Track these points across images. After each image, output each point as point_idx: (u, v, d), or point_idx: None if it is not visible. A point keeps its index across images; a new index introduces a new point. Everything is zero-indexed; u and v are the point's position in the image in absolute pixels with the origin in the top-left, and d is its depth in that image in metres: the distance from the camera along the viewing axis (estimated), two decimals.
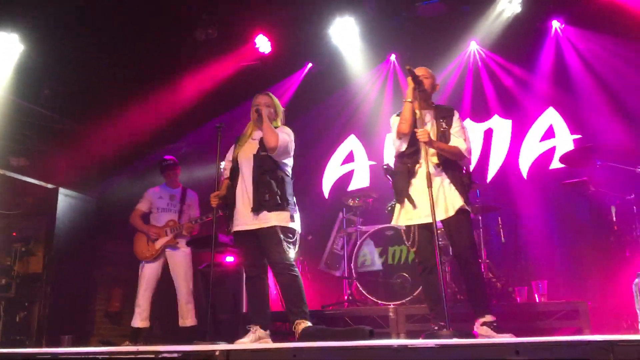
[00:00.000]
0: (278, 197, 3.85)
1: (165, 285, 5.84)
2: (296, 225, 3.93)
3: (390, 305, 5.04)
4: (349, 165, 7.60)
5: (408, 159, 3.79)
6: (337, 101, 7.18)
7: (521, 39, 6.72)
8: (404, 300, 5.08)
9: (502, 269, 5.58)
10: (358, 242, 5.63)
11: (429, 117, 3.88)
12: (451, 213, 3.68)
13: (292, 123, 7.75)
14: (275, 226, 3.82)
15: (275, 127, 4.01)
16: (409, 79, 3.77)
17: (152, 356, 2.28)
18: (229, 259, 6.35)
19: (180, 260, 5.69)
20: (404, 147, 3.82)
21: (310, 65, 7.56)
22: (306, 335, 3.28)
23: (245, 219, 3.90)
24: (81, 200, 6.98)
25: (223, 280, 6.22)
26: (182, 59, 7.04)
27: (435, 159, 3.75)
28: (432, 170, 3.66)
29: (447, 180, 3.76)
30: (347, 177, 7.56)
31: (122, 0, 6.29)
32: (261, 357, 2.14)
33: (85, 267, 6.96)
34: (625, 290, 4.27)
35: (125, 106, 6.82)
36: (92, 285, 7.07)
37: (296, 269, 3.90)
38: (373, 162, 7.52)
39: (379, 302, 5.24)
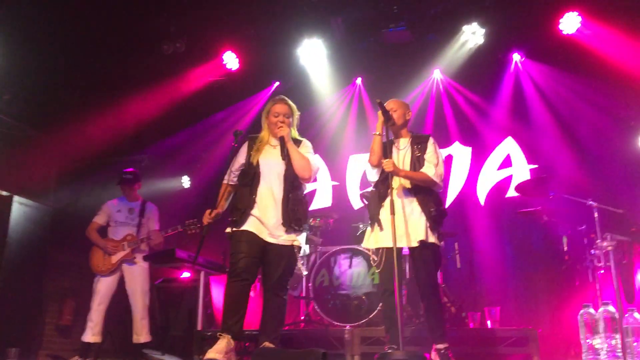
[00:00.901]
0: (304, 216, 3.83)
1: (119, 299, 5.74)
2: (306, 247, 3.97)
3: (346, 326, 5.06)
4: (312, 184, 7.65)
5: (381, 186, 3.93)
6: (302, 121, 7.16)
7: (483, 69, 6.93)
8: (360, 322, 5.11)
9: (456, 294, 5.67)
10: (317, 263, 5.64)
11: (403, 144, 4.02)
12: (414, 244, 3.78)
13: None
14: (295, 246, 3.78)
15: (294, 140, 3.95)
16: (379, 112, 3.87)
17: None
18: (185, 274, 6.29)
19: (137, 275, 5.61)
20: (376, 176, 3.99)
21: (277, 84, 7.60)
22: (259, 355, 3.27)
23: (274, 230, 3.75)
24: (36, 209, 6.80)
25: (179, 296, 6.15)
26: (148, 71, 6.98)
27: (407, 185, 3.88)
28: (400, 197, 3.83)
29: (417, 208, 3.85)
30: (309, 197, 7.59)
31: (90, 8, 6.23)
32: None
33: (37, 277, 6.76)
34: (574, 318, 4.34)
35: (87, 116, 6.72)
36: (44, 296, 6.87)
37: (286, 294, 3.88)
38: (336, 183, 7.58)
39: (335, 323, 5.25)
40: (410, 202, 3.86)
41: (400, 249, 3.81)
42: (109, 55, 6.71)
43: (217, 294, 6.68)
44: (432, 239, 3.80)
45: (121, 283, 5.66)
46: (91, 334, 5.49)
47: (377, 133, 3.90)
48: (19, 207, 6.56)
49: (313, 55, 6.98)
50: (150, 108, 6.96)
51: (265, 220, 3.76)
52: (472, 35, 6.59)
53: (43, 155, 6.76)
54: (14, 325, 6.24)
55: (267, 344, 3.65)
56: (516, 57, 6.94)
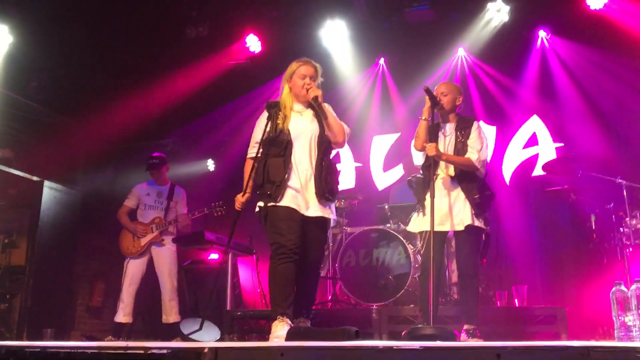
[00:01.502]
0: (337, 187, 3.61)
1: (149, 281, 5.86)
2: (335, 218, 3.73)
3: (373, 306, 5.11)
4: (336, 166, 7.66)
5: (426, 171, 3.97)
6: (327, 102, 7.21)
7: (508, 47, 6.83)
8: (387, 302, 5.15)
9: (483, 273, 5.67)
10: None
11: (449, 129, 4.02)
12: (460, 228, 3.84)
13: None
14: (329, 219, 3.58)
15: None
16: (426, 97, 3.88)
17: (142, 352, 2.31)
18: (213, 256, 6.38)
19: (165, 257, 5.71)
20: (421, 161, 4.04)
21: None
22: (293, 334, 3.31)
23: (297, 201, 3.45)
24: (66, 193, 6.96)
25: (207, 277, 6.25)
26: (172, 56, 7.03)
27: (451, 171, 3.92)
28: (446, 182, 3.90)
29: (462, 194, 3.89)
30: None
31: None
32: (248, 356, 2.17)
33: (68, 260, 6.94)
34: (601, 297, 4.39)
35: (114, 101, 6.80)
36: (75, 279, 7.05)
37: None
38: (359, 164, 7.59)
39: (363, 302, 5.30)
40: (455, 187, 3.91)
41: (445, 232, 3.92)
42: (133, 40, 6.75)
43: (244, 275, 6.78)
44: (477, 223, 3.84)
45: (150, 265, 5.78)
46: (123, 315, 5.62)
47: (423, 118, 3.90)
48: (50, 192, 6.72)
49: (335, 37, 6.96)
50: (174, 92, 7.03)
51: (303, 191, 3.48)
52: (496, 13, 6.50)
53: (71, 141, 6.88)
54: (48, 307, 6.43)
55: (302, 320, 3.51)
56: (542, 34, 6.83)
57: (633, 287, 2.56)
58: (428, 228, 3.74)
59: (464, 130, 3.96)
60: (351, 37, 7.01)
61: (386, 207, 5.83)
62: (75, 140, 6.97)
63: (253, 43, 7.11)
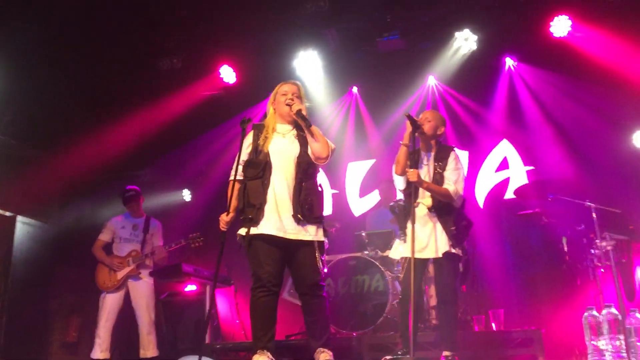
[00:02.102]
0: (319, 207, 3.48)
1: (125, 315, 5.79)
2: (327, 241, 3.59)
3: (353, 334, 5.13)
4: (319, 188, 7.71)
5: (407, 198, 4.06)
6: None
7: (477, 74, 7.02)
8: (366, 329, 5.18)
9: (460, 298, 5.74)
10: None
11: (429, 158, 4.11)
12: (438, 255, 3.93)
13: None
14: (314, 241, 3.43)
15: None
16: (407, 123, 3.96)
17: None
18: (191, 287, 6.33)
19: (142, 290, 5.66)
20: (402, 185, 4.11)
21: None
22: None
23: (289, 226, 3.38)
24: (39, 228, 6.88)
25: (184, 310, 6.20)
26: (146, 88, 7.06)
27: (429, 201, 4.00)
28: (426, 210, 3.98)
29: (439, 223, 3.97)
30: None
31: (86, 27, 6.30)
32: None
33: (43, 296, 6.84)
34: (576, 318, 4.45)
35: (88, 133, 6.78)
36: (50, 314, 6.93)
37: (325, 293, 3.54)
38: (335, 191, 7.65)
39: (342, 331, 5.31)
40: (431, 217, 4.00)
41: (426, 260, 4.02)
42: (107, 73, 6.77)
43: (223, 306, 6.74)
44: (454, 250, 3.92)
45: (127, 299, 5.71)
46: (99, 351, 5.54)
47: (404, 143, 3.97)
48: (23, 227, 6.64)
49: (309, 67, 7.06)
50: (149, 124, 7.02)
51: (282, 215, 3.40)
52: (464, 42, 6.68)
53: (45, 175, 6.81)
54: (23, 344, 6.31)
55: (324, 352, 3.38)
56: (509, 61, 7.05)
57: (604, 311, 2.64)
58: (409, 254, 3.82)
59: (442, 160, 4.05)
60: (324, 67, 7.13)
61: (363, 234, 5.89)
62: (49, 173, 6.90)
63: (227, 74, 7.17)
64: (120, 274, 5.62)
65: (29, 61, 6.25)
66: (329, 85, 7.36)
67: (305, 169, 3.49)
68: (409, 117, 3.94)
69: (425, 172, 4.06)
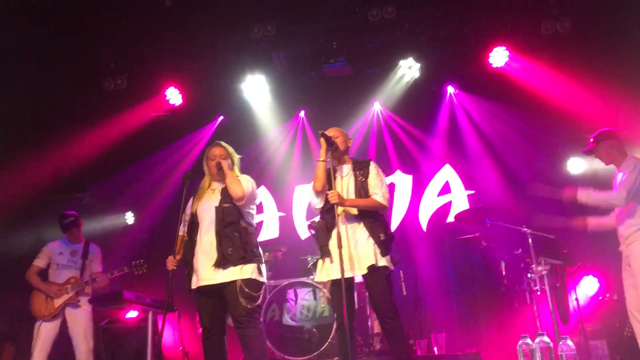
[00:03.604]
0: (243, 249, 3.80)
1: (61, 343, 5.58)
2: (262, 277, 3.87)
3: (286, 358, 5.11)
4: (259, 216, 7.70)
5: (327, 214, 3.99)
6: (249, 154, 7.28)
7: (419, 101, 7.25)
8: (311, 355, 5.18)
9: (403, 322, 5.82)
10: (267, 297, 5.68)
11: (346, 170, 4.12)
12: (364, 271, 3.83)
13: (204, 176, 7.76)
14: (238, 280, 3.74)
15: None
16: (322, 140, 4.00)
17: None
18: (132, 314, 6.16)
19: (80, 318, 5.47)
20: (320, 204, 4.04)
21: (221, 118, 7.67)
22: None
23: (207, 274, 3.79)
24: None
25: (125, 337, 6.02)
26: (90, 108, 6.90)
27: (353, 212, 3.95)
28: (347, 225, 3.90)
29: (365, 234, 3.90)
30: (256, 228, 7.63)
31: (29, 42, 6.13)
32: None
33: None
34: (514, 339, 4.60)
35: (26, 154, 6.55)
36: None
37: (259, 323, 3.81)
38: (282, 214, 7.66)
39: (287, 357, 5.29)
40: (357, 229, 3.92)
41: (352, 279, 3.92)
42: (48, 92, 6.59)
43: (166, 333, 6.59)
44: (382, 262, 3.84)
45: (63, 327, 5.50)
46: None
47: (321, 159, 4.00)
48: None
49: (256, 90, 7.10)
50: (92, 145, 6.85)
51: (204, 266, 3.82)
52: (408, 70, 6.88)
53: None
54: None
55: None
56: (450, 89, 7.30)
57: (537, 340, 2.75)
58: (335, 277, 3.80)
59: (362, 169, 4.06)
60: (272, 90, 7.18)
61: (309, 258, 5.90)
62: None
63: (173, 95, 7.09)
64: (58, 302, 5.41)
65: None
66: (276, 108, 7.41)
67: (222, 218, 3.87)
68: (323, 135, 4.01)
69: (346, 184, 4.05)
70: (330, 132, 4.14)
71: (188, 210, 4.07)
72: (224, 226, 3.84)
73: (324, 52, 6.79)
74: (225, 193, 3.94)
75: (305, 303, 5.46)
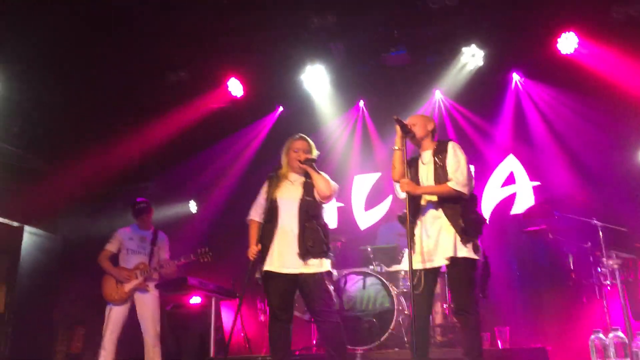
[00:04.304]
0: (324, 244, 3.91)
1: (130, 326, 5.79)
2: (335, 272, 4.03)
3: (357, 350, 5.12)
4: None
5: (411, 203, 3.77)
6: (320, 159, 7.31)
7: (483, 90, 7.06)
8: (371, 345, 5.17)
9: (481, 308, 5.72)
10: None
11: (427, 157, 3.92)
12: (445, 262, 3.67)
13: (264, 166, 7.87)
14: (321, 273, 3.87)
15: None
16: (397, 127, 3.84)
17: None
18: (195, 299, 6.33)
19: (149, 303, 5.64)
20: (402, 194, 3.83)
21: (281, 109, 7.73)
22: None
23: (289, 262, 3.86)
24: (47, 238, 6.91)
25: (189, 322, 6.20)
26: (153, 100, 7.11)
27: (434, 197, 3.76)
28: (428, 215, 3.76)
29: (446, 223, 3.70)
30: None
31: (94, 38, 6.35)
32: None
33: (48, 306, 6.86)
34: (582, 336, 4.46)
35: (94, 145, 6.83)
36: (54, 325, 6.94)
37: (336, 316, 3.92)
38: (341, 204, 7.66)
39: (347, 346, 5.30)
40: (437, 218, 3.74)
41: (437, 268, 3.75)
42: (114, 85, 6.83)
43: (227, 319, 6.74)
44: (462, 253, 3.61)
45: (132, 311, 5.70)
46: None
47: (397, 147, 3.85)
48: (30, 237, 6.67)
49: (316, 80, 7.11)
50: (156, 137, 7.07)
51: (285, 253, 3.88)
52: (471, 58, 6.72)
53: (52, 186, 6.85)
54: (27, 354, 6.31)
55: None
56: (516, 77, 7.08)
57: (611, 335, 2.64)
58: (419, 266, 3.68)
59: (440, 154, 3.84)
60: (331, 80, 7.18)
61: (369, 249, 5.89)
62: (56, 184, 6.94)
63: (235, 87, 7.22)
64: (128, 287, 5.62)
65: (37, 72, 6.31)
66: (336, 99, 7.40)
67: (306, 210, 3.95)
68: (398, 121, 3.82)
69: (427, 172, 3.86)
70: (409, 120, 3.97)
71: (262, 198, 4.13)
72: (306, 219, 3.92)
73: (384, 41, 6.72)
74: (307, 187, 4.01)
75: (366, 292, 5.44)
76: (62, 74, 6.49)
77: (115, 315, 5.59)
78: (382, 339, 5.16)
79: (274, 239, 3.93)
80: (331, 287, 3.88)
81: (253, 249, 4.01)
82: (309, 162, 4.01)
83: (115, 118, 7.06)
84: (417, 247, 3.72)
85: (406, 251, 4.06)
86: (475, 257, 3.66)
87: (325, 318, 3.85)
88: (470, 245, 3.63)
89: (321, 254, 3.88)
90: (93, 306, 6.49)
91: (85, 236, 7.09)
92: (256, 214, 4.14)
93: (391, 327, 5.18)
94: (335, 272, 4.14)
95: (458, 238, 3.63)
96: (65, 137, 6.90)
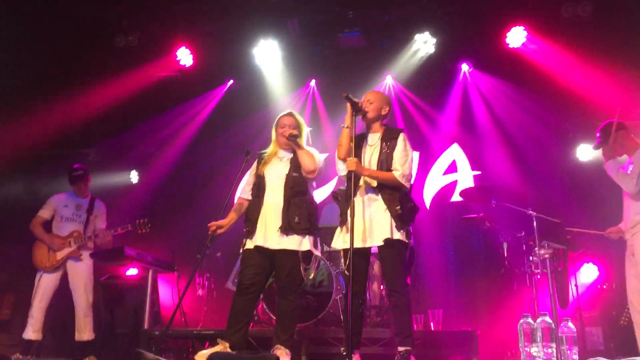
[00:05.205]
0: (308, 221, 3.90)
1: (61, 296, 5.62)
2: (317, 250, 4.00)
3: None
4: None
5: (349, 182, 3.81)
6: (257, 121, 7.22)
7: (432, 78, 7.16)
8: (308, 323, 5.20)
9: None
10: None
11: (374, 139, 3.94)
12: (379, 243, 3.75)
13: (211, 140, 7.72)
14: (299, 251, 3.88)
15: None
16: (347, 105, 3.82)
17: None
18: (132, 271, 6.20)
19: (81, 272, 5.50)
20: (343, 171, 3.86)
21: (231, 82, 7.60)
22: (213, 358, 3.32)
23: (268, 238, 3.87)
24: None
25: (124, 293, 6.07)
26: (99, 64, 6.84)
27: (373, 183, 3.83)
28: (366, 195, 3.80)
29: (383, 205, 3.78)
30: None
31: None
32: None
33: None
34: (511, 321, 4.64)
35: (34, 108, 6.51)
36: None
37: (298, 299, 4.00)
38: None
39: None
40: (375, 200, 3.81)
41: (368, 250, 3.84)
42: (59, 46, 6.53)
43: (164, 292, 6.64)
44: (397, 235, 3.71)
45: (64, 279, 5.54)
46: (32, 331, 5.35)
47: (345, 126, 3.84)
48: None
49: (268, 56, 7.03)
50: (100, 102, 6.80)
51: (269, 228, 3.89)
52: (423, 44, 6.80)
53: None
54: None
55: (281, 348, 3.79)
56: (465, 67, 7.20)
57: (539, 320, 2.75)
58: (347, 246, 3.67)
59: (390, 141, 3.88)
60: (284, 57, 7.11)
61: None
62: None
63: (184, 56, 7.05)
64: (60, 255, 5.44)
65: None
66: (287, 76, 7.35)
67: (292, 186, 3.95)
68: (348, 98, 3.80)
69: (371, 154, 3.89)
70: (368, 96, 3.97)
71: (251, 174, 4.16)
72: (292, 195, 3.92)
73: (339, 21, 6.72)
74: (294, 163, 4.01)
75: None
76: (5, 31, 6.14)
77: (45, 283, 5.43)
78: (319, 317, 5.20)
79: (260, 215, 3.94)
80: (307, 266, 3.92)
81: (215, 222, 4.05)
82: (293, 137, 3.99)
83: (59, 79, 6.75)
84: (351, 226, 3.68)
85: (337, 229, 3.97)
86: (407, 242, 3.82)
87: (286, 296, 3.91)
88: (403, 231, 3.77)
89: (305, 230, 3.88)
90: (23, 272, 6.26)
91: (18, 200, 6.79)
92: (243, 192, 4.18)
93: (329, 305, 5.22)
94: (317, 252, 4.02)
95: (393, 223, 3.75)
96: (3, 97, 6.54)
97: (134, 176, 7.68)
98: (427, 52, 6.86)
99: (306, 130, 4.17)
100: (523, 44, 6.54)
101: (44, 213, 5.62)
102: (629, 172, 4.32)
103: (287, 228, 3.85)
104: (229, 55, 7.08)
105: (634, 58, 5.81)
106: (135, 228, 5.52)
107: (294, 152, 4.05)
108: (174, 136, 7.46)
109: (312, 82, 7.68)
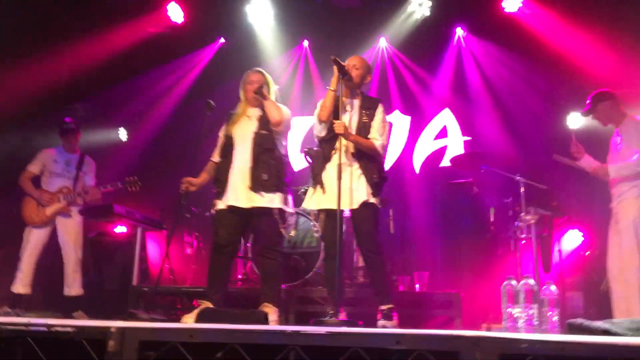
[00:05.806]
0: (277, 177, 3.89)
1: (50, 251, 5.63)
2: (289, 208, 3.99)
3: (282, 286, 5.20)
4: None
5: (326, 145, 3.92)
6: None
7: (426, 41, 7.09)
8: (296, 282, 5.27)
9: (389, 259, 5.92)
10: None
11: (353, 106, 3.97)
12: (355, 206, 3.84)
13: (201, 99, 7.63)
14: (271, 208, 3.86)
15: None
16: (334, 67, 3.79)
17: (45, 329, 2.27)
18: (121, 228, 6.22)
19: (71, 228, 5.50)
20: (323, 133, 3.94)
21: (222, 40, 7.49)
22: (203, 315, 3.37)
23: (239, 197, 3.86)
24: None
25: (113, 250, 6.10)
26: (87, 18, 6.68)
27: (352, 148, 3.89)
28: (345, 160, 3.76)
29: (358, 172, 3.88)
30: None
31: None
32: (158, 336, 2.19)
33: None
34: (494, 285, 4.72)
35: (20, 61, 6.38)
36: None
37: (280, 256, 4.00)
38: None
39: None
40: (349, 166, 3.85)
41: (341, 212, 3.82)
42: None
43: (153, 250, 6.68)
44: (372, 200, 3.85)
45: (53, 235, 5.54)
46: (21, 285, 5.39)
47: (332, 88, 3.84)
48: None
49: (261, 14, 6.91)
50: (88, 57, 6.66)
51: (238, 188, 3.88)
52: (418, 7, 6.73)
53: None
54: None
55: (269, 306, 3.80)
56: (459, 31, 7.14)
57: (522, 282, 2.80)
58: (326, 206, 3.84)
59: (369, 109, 3.95)
60: (277, 15, 7.00)
61: (302, 189, 5.91)
62: None
63: (175, 12, 6.91)
64: (50, 210, 5.43)
65: None
66: (279, 36, 7.24)
67: (260, 144, 3.92)
68: (336, 62, 3.75)
69: (350, 119, 3.92)
70: (353, 61, 3.97)
71: (221, 133, 4.14)
72: (260, 152, 3.91)
73: None
74: (262, 120, 3.99)
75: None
76: None
77: (34, 238, 5.43)
78: (306, 277, 5.27)
79: (229, 175, 3.94)
80: (283, 224, 3.93)
81: (187, 178, 4.05)
82: (260, 90, 3.96)
83: (48, 32, 6.59)
84: (327, 187, 3.85)
85: (309, 189, 4.03)
86: (380, 207, 3.96)
87: (267, 255, 3.92)
88: (377, 198, 3.90)
89: (274, 188, 3.86)
90: (11, 227, 6.25)
91: (5, 155, 6.72)
92: (213, 154, 4.16)
93: (316, 266, 5.29)
94: (290, 209, 4.03)
95: (369, 189, 3.86)
96: None
97: (122, 134, 7.62)
98: (422, 15, 6.80)
99: (274, 87, 4.14)
100: (519, 8, 6.47)
101: (33, 168, 5.58)
102: (617, 142, 4.34)
103: (256, 186, 3.84)
104: (221, 12, 6.96)
105: (629, 26, 5.77)
106: (125, 186, 5.50)
107: (263, 109, 4.01)
108: (164, 95, 7.38)
109: (305, 43, 7.57)
